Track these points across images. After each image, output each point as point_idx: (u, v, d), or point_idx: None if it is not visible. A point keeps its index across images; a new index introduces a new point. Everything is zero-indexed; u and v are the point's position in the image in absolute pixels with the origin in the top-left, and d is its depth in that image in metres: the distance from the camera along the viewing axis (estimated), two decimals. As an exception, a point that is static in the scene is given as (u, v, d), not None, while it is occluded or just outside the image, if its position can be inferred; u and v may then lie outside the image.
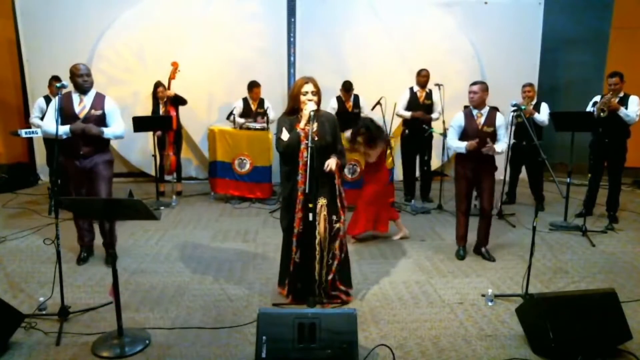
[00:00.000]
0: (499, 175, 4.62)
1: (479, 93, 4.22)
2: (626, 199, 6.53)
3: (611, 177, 5.58)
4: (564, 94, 8.32)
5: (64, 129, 3.86)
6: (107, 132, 4.03)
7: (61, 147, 4.03)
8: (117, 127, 4.09)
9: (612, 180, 5.58)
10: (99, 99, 4.05)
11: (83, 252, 4.29)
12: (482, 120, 4.25)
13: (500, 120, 4.31)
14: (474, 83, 4.30)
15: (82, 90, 3.97)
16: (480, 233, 4.48)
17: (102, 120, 4.03)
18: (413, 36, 7.68)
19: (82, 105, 3.98)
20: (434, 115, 6.34)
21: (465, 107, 4.44)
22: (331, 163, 3.24)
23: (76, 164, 4.01)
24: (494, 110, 4.33)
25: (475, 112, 4.27)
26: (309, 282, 3.33)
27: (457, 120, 4.33)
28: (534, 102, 5.92)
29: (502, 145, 4.27)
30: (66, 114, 3.92)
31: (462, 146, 4.23)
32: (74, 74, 3.94)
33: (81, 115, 3.95)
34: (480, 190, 4.38)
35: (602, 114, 5.20)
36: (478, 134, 4.20)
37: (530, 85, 6.03)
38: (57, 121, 3.40)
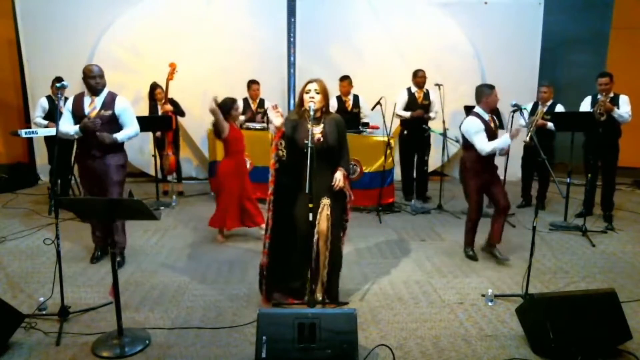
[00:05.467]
0: (499, 175, 4.61)
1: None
2: (625, 199, 6.53)
3: (605, 177, 5.57)
4: (563, 93, 8.31)
5: (75, 129, 3.90)
6: (121, 137, 4.01)
7: (77, 147, 4.12)
8: (129, 129, 4.07)
9: (606, 180, 5.57)
10: (110, 99, 4.02)
11: (97, 250, 4.30)
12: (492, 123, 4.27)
13: (497, 121, 4.38)
14: (493, 86, 4.22)
15: (94, 91, 3.96)
16: (496, 231, 4.35)
17: (113, 121, 4.00)
18: (413, 36, 7.68)
19: (92, 106, 3.97)
20: (431, 115, 6.37)
21: (466, 107, 4.42)
22: (338, 179, 3.24)
23: (89, 165, 4.01)
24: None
25: (487, 116, 4.21)
26: (305, 282, 3.33)
27: (479, 125, 4.13)
28: (549, 103, 5.82)
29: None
30: (77, 115, 3.95)
31: (506, 140, 4.07)
32: (87, 75, 3.93)
33: (91, 116, 3.94)
34: (494, 187, 4.28)
35: (602, 117, 5.21)
36: (493, 136, 4.20)
37: (547, 85, 5.84)
38: (56, 120, 3.40)
